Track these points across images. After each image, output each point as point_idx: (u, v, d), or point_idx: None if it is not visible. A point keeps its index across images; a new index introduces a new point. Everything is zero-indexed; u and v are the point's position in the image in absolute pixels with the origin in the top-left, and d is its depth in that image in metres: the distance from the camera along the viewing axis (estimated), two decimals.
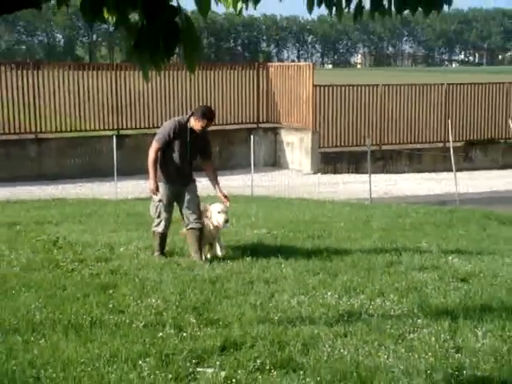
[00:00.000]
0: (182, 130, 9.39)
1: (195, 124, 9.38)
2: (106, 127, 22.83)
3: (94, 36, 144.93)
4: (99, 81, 23.11)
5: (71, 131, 22.75)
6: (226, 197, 9.63)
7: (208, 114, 9.47)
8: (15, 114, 22.06)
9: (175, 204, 9.69)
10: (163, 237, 9.69)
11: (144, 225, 12.32)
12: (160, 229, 9.58)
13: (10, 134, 22.08)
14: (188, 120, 9.44)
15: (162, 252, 9.72)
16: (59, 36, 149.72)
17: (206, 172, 9.78)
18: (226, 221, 9.42)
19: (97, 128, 22.91)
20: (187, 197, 9.53)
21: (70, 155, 22.08)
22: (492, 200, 18.40)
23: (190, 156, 9.52)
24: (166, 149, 9.42)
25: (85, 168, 21.56)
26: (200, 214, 9.52)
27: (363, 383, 5.48)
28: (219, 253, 9.45)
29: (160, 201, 9.48)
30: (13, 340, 6.29)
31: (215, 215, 9.41)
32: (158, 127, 22.34)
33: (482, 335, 6.62)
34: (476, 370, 5.83)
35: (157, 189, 9.39)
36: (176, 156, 9.43)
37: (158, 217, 9.57)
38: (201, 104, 23.58)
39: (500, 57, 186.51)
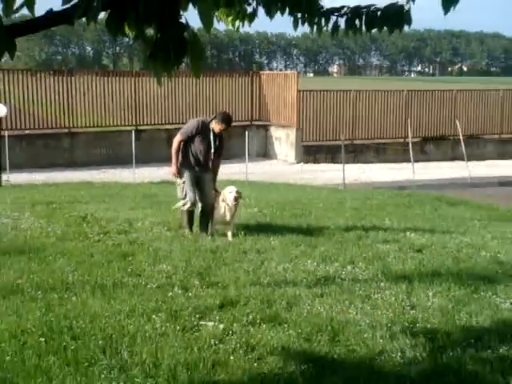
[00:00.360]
0: (204, 128, 9.39)
1: (215, 126, 9.39)
2: (126, 123, 22.78)
3: (117, 48, 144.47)
4: (121, 85, 23.08)
5: (98, 126, 22.71)
6: (216, 191, 9.63)
7: (227, 120, 9.50)
8: (52, 112, 22.06)
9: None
10: (190, 214, 9.57)
11: (157, 204, 12.33)
12: (187, 207, 9.48)
13: (47, 128, 22.06)
14: (210, 122, 9.43)
15: (191, 228, 9.57)
16: (89, 48, 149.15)
17: (211, 163, 9.67)
18: (236, 198, 9.38)
19: (119, 124, 22.87)
20: (204, 183, 9.54)
21: (97, 146, 22.06)
22: (442, 186, 18.44)
23: (208, 151, 9.47)
24: (188, 142, 9.40)
25: (108, 157, 21.53)
26: (210, 198, 9.51)
27: (336, 335, 5.50)
28: (230, 238, 9.31)
29: (183, 182, 9.46)
30: (50, 297, 6.30)
31: (228, 195, 9.36)
32: (169, 123, 22.75)
33: (432, 295, 6.65)
34: (427, 323, 5.87)
35: (178, 172, 9.40)
36: (196, 149, 9.40)
37: (184, 197, 9.51)
38: (204, 105, 23.62)
39: (449, 69, 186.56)
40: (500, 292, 6.89)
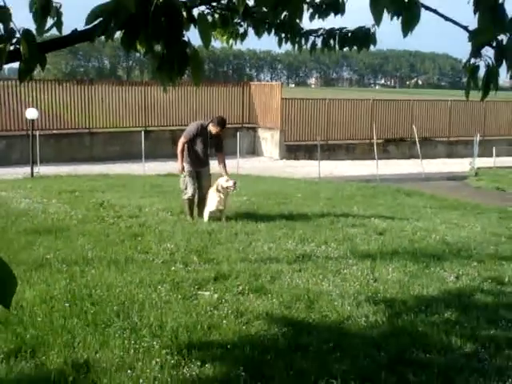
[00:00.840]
0: (203, 131, 9.36)
1: (212, 129, 9.35)
2: (137, 125, 22.68)
3: (130, 61, 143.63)
4: (133, 93, 22.96)
5: (113, 127, 22.59)
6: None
7: (222, 123, 9.44)
8: (76, 115, 21.93)
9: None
10: (191, 202, 9.53)
11: (163, 193, 12.31)
12: (187, 196, 9.47)
13: (71, 129, 21.94)
14: (208, 125, 9.40)
15: (191, 214, 9.52)
16: (106, 61, 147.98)
17: (218, 159, 9.59)
18: (235, 183, 9.34)
19: (130, 125, 22.75)
20: (203, 176, 9.51)
21: (112, 144, 21.94)
22: (401, 179, 18.49)
23: (208, 150, 9.46)
24: (190, 143, 9.37)
25: (122, 153, 21.42)
26: (206, 190, 9.46)
27: (311, 303, 5.52)
28: (224, 221, 9.26)
29: (185, 176, 9.44)
30: (73, 269, 6.30)
31: (225, 184, 9.30)
32: (173, 125, 22.68)
33: (391, 270, 6.70)
34: (386, 293, 5.91)
35: (183, 169, 9.38)
36: (198, 148, 9.38)
37: (186, 188, 9.49)
38: (203, 110, 23.54)
39: (407, 82, 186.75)
40: (447, 267, 6.94)
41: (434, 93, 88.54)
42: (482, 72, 2.38)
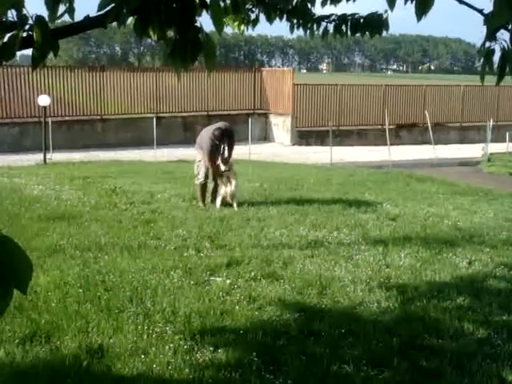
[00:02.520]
0: (215, 141, 9.27)
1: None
2: (149, 111, 22.66)
3: (142, 48, 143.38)
4: (144, 79, 22.92)
5: (125, 114, 22.57)
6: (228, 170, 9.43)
7: (217, 136, 9.25)
8: (87, 102, 21.91)
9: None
10: (203, 187, 9.51)
11: (174, 179, 12.32)
12: (199, 181, 9.47)
13: (83, 115, 21.94)
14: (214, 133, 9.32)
15: (204, 201, 9.49)
16: (117, 48, 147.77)
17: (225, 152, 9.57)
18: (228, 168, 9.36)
19: (142, 112, 22.74)
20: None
21: (124, 130, 21.94)
22: (413, 165, 18.38)
23: (224, 149, 9.47)
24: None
25: (134, 139, 21.42)
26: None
27: (323, 289, 5.53)
28: (235, 208, 9.22)
29: (200, 161, 9.44)
30: (87, 256, 6.34)
31: (222, 168, 9.33)
32: (185, 111, 22.67)
33: (403, 256, 6.69)
34: (399, 279, 5.91)
35: (211, 163, 9.31)
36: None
37: (199, 173, 9.50)
38: (214, 96, 23.47)
39: (419, 67, 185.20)
40: (459, 253, 6.92)
41: (447, 78, 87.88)
42: (496, 56, 2.35)
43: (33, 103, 19.67)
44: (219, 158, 9.37)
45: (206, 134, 9.43)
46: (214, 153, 9.32)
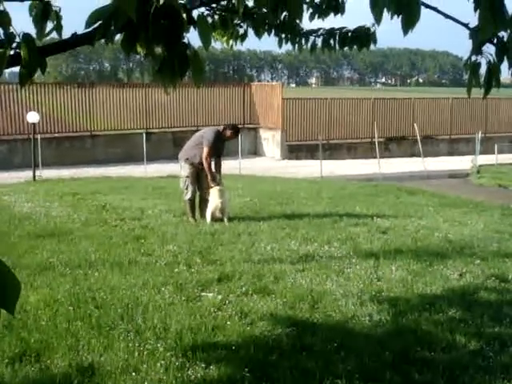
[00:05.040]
0: (220, 138, 9.37)
1: (228, 134, 9.45)
2: (138, 127, 22.68)
3: (131, 64, 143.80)
4: (134, 95, 22.97)
5: (115, 130, 22.58)
6: (218, 184, 9.35)
7: (236, 129, 9.68)
8: (77, 118, 21.94)
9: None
10: (192, 203, 9.49)
11: (165, 195, 12.31)
12: (187, 197, 9.42)
13: (73, 132, 21.94)
14: (224, 130, 9.45)
15: (194, 216, 9.45)
16: (106, 64, 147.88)
17: (216, 163, 9.58)
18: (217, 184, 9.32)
19: (132, 127, 22.77)
20: (204, 177, 9.37)
21: (114, 146, 21.92)
22: (403, 178, 18.48)
23: (219, 155, 9.51)
24: (201, 148, 9.26)
25: (124, 155, 21.41)
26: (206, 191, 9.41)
27: (315, 303, 5.52)
28: (226, 223, 9.20)
29: (187, 176, 9.40)
30: (77, 273, 6.30)
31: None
32: (175, 127, 22.68)
33: (395, 269, 6.68)
34: (390, 292, 5.90)
35: (214, 179, 9.27)
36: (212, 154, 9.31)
37: (187, 188, 9.45)
38: (204, 112, 23.51)
39: (408, 81, 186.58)
40: (450, 266, 6.93)
41: (435, 91, 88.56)
42: (483, 69, 2.38)
43: (22, 120, 19.66)
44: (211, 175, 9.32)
45: (205, 134, 9.45)
46: (217, 149, 9.31)
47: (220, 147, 9.42)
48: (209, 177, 9.23)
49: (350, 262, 6.99)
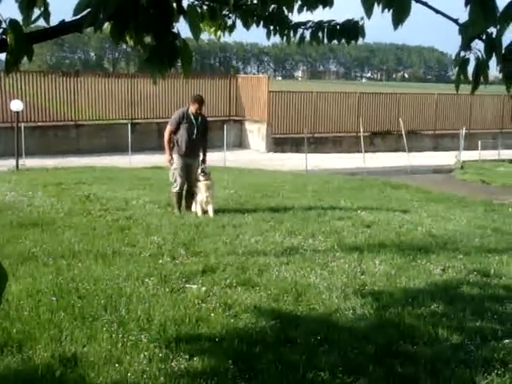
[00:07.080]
0: (186, 116, 9.30)
1: (192, 108, 9.34)
2: (123, 117, 22.52)
3: (116, 53, 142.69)
4: (119, 85, 22.79)
5: (99, 119, 22.42)
6: (204, 172, 9.33)
7: (198, 99, 9.44)
8: (61, 107, 21.75)
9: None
10: (179, 195, 9.46)
11: (149, 186, 12.26)
12: (175, 189, 9.40)
13: (57, 121, 21.74)
14: (188, 108, 9.37)
15: (179, 207, 9.44)
16: (92, 53, 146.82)
17: (200, 146, 9.51)
18: (202, 169, 9.30)
19: (117, 117, 22.60)
20: (193, 169, 9.37)
21: (99, 136, 21.77)
22: (387, 172, 18.56)
23: (196, 137, 9.33)
24: (176, 131, 9.29)
25: (108, 145, 21.26)
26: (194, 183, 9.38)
27: (299, 295, 5.53)
28: (211, 215, 9.18)
29: (175, 168, 9.36)
30: (60, 263, 6.26)
31: (198, 172, 9.31)
32: (160, 118, 22.56)
33: (378, 263, 6.73)
34: (374, 286, 5.94)
35: (171, 159, 9.32)
36: (185, 135, 9.26)
37: (175, 181, 9.41)
38: (189, 103, 23.38)
39: (394, 76, 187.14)
40: (433, 260, 6.99)
41: (421, 86, 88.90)
42: (471, 66, 2.38)
43: (5, 108, 19.43)
44: (197, 161, 9.31)
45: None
46: (179, 127, 9.27)
47: (192, 124, 9.27)
48: (166, 153, 9.34)
49: (334, 255, 7.02)
